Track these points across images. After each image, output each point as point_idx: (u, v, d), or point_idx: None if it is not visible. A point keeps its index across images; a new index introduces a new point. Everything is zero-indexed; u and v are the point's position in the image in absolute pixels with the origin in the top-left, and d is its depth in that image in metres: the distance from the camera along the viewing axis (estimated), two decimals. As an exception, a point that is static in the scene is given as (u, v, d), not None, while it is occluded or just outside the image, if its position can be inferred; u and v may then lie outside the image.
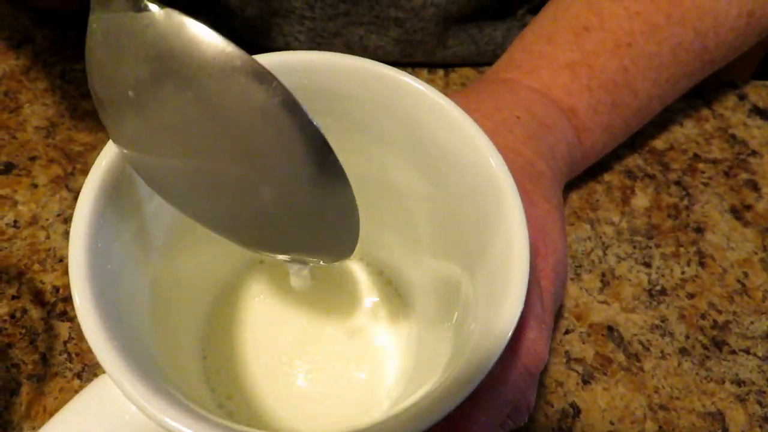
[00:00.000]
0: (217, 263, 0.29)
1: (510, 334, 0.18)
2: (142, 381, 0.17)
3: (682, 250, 0.36)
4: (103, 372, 0.31)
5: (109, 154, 0.20)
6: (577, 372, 0.32)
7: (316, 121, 0.17)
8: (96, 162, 0.20)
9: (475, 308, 0.21)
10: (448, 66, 0.43)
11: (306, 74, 0.22)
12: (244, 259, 0.30)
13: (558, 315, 0.33)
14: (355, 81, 0.22)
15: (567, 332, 0.33)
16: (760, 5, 0.34)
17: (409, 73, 0.46)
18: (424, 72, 0.43)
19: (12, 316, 0.32)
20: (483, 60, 0.43)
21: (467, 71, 0.43)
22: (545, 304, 0.25)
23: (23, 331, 0.32)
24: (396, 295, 0.30)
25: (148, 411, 0.16)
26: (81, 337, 0.32)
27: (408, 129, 0.23)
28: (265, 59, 0.21)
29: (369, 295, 0.30)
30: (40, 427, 0.29)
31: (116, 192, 0.20)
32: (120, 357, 0.17)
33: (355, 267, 0.30)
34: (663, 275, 0.35)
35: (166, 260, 0.24)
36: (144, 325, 0.22)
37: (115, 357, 0.17)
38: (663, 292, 0.34)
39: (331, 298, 0.30)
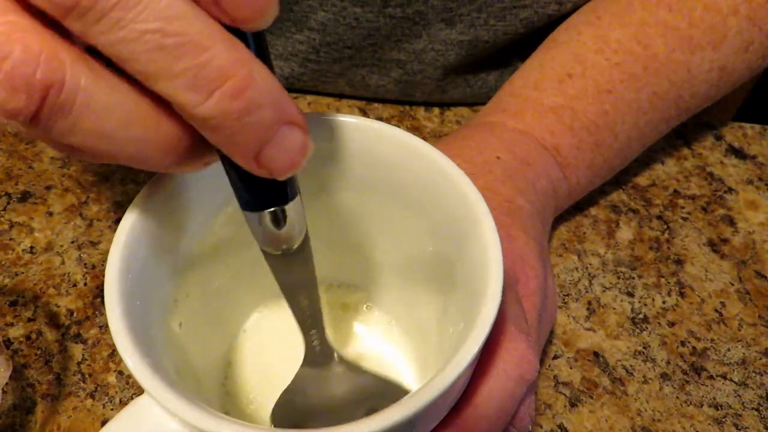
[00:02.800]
0: (237, 300, 0.31)
1: (487, 332, 0.20)
2: (183, 398, 0.18)
3: (663, 280, 0.38)
4: (115, 393, 0.32)
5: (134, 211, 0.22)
6: (565, 395, 0.33)
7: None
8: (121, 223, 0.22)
9: (460, 313, 0.23)
10: (444, 105, 0.46)
11: (314, 132, 0.25)
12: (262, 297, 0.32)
13: (546, 341, 0.35)
14: (349, 137, 0.25)
15: (555, 357, 0.35)
16: (731, 60, 0.37)
17: (407, 111, 0.48)
18: (422, 110, 0.46)
19: (28, 337, 0.34)
20: (477, 101, 0.46)
21: (462, 110, 0.46)
22: (530, 321, 0.27)
23: (38, 352, 0.33)
24: (394, 313, 0.32)
25: (195, 423, 0.18)
26: (94, 358, 0.33)
27: (395, 174, 0.26)
28: None
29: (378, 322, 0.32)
30: (54, 444, 0.30)
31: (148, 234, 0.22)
32: (157, 376, 0.19)
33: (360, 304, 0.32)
34: (645, 304, 0.37)
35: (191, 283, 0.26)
36: (164, 347, 0.23)
37: (153, 375, 0.19)
38: (645, 320, 0.36)
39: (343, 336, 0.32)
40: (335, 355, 0.27)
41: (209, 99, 0.16)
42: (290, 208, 0.20)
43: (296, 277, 0.23)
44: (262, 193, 0.20)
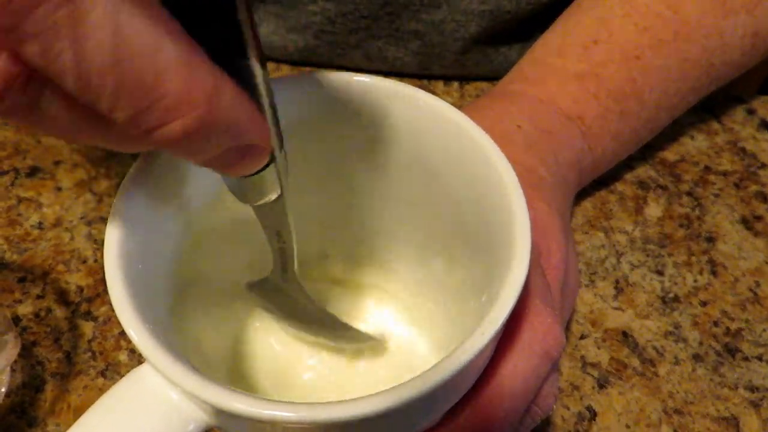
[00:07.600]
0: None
1: (514, 302, 0.19)
2: (184, 366, 0.17)
3: (694, 258, 0.36)
4: (127, 371, 0.31)
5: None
6: (593, 376, 0.32)
7: None
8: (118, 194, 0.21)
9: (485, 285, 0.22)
10: (463, 79, 0.44)
11: (326, 94, 0.24)
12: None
13: (573, 320, 0.34)
14: (369, 99, 0.24)
15: (582, 337, 0.33)
16: (764, 26, 0.35)
17: (426, 85, 0.47)
18: (441, 84, 0.44)
19: (37, 315, 0.33)
20: (497, 76, 0.44)
21: (482, 84, 0.44)
22: (554, 295, 0.25)
23: (48, 329, 0.32)
24: (411, 293, 0.30)
25: (198, 393, 0.17)
26: (105, 336, 0.32)
27: (417, 138, 0.24)
28: (293, 80, 0.24)
29: (390, 301, 0.31)
30: (64, 423, 0.30)
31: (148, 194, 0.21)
32: (158, 343, 0.17)
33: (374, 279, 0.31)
34: (676, 283, 0.35)
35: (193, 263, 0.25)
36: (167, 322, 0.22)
37: (154, 342, 0.17)
38: (676, 299, 0.35)
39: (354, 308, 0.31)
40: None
41: (164, 128, 0.15)
42: (266, 173, 0.19)
43: (271, 223, 0.23)
44: None
